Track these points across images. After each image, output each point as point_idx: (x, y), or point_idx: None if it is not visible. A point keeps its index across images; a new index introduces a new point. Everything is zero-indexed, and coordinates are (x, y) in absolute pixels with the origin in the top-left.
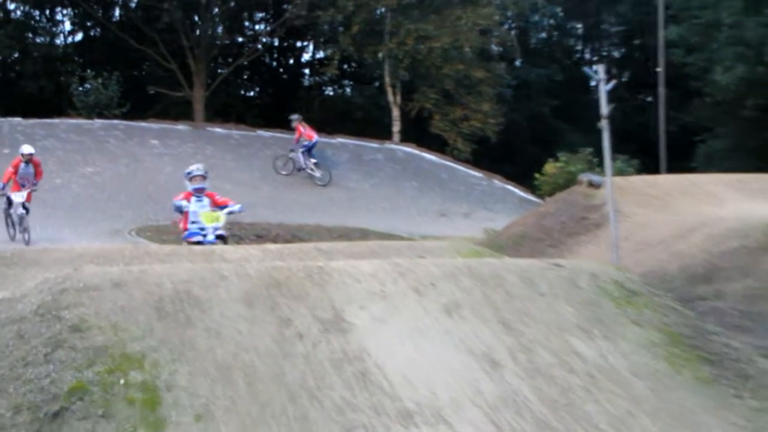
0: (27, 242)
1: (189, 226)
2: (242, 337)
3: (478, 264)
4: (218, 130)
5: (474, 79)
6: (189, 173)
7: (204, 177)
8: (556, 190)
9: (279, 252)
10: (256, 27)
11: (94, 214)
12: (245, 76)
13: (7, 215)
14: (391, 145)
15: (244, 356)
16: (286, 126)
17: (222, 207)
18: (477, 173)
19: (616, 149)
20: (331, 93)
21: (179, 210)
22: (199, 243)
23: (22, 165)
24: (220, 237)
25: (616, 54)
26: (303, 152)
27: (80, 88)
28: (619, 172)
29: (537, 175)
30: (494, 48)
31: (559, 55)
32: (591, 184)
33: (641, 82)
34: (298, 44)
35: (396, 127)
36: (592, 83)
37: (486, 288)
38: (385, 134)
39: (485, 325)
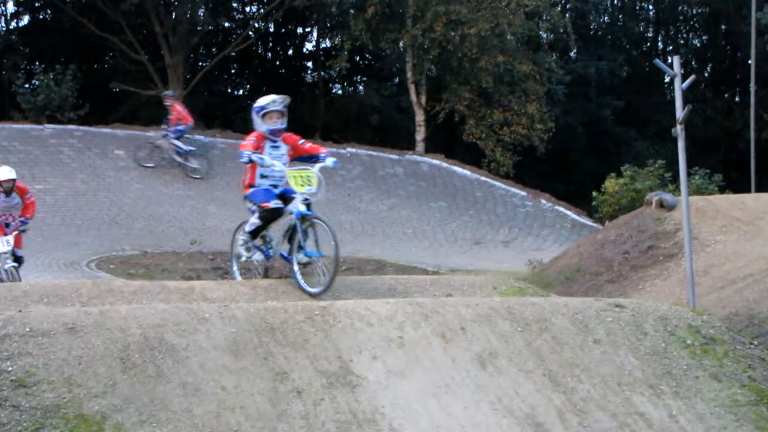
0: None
1: (257, 181)
2: (227, 394)
3: (520, 304)
4: (199, 137)
5: (518, 74)
6: (262, 108)
7: (282, 113)
8: (618, 213)
9: (273, 289)
10: (247, 9)
11: (44, 242)
12: (233, 71)
13: None
14: (414, 156)
15: (229, 417)
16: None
17: (308, 158)
18: (520, 191)
19: (695, 161)
20: (341, 92)
21: (249, 161)
22: (274, 212)
23: (1, 196)
24: (307, 205)
25: (696, 43)
26: (177, 138)
27: (26, 86)
28: (697, 190)
29: (595, 194)
30: (544, 35)
31: (625, 44)
32: (662, 205)
33: (727, 78)
34: (299, 31)
35: (420, 135)
36: (666, 79)
37: (529, 334)
38: (406, 143)
39: (528, 380)
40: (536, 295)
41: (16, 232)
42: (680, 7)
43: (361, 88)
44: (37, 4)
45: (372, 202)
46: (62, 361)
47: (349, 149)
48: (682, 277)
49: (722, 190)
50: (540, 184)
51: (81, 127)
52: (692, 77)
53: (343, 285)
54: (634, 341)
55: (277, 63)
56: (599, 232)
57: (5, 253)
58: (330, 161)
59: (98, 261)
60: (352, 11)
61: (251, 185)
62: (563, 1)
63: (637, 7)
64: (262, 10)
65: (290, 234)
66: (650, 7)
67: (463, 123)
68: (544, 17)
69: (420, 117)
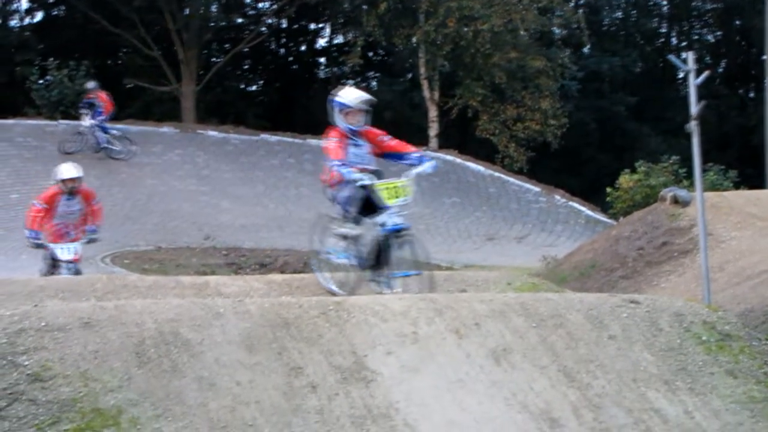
0: None
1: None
2: (241, 389)
3: (534, 300)
4: (212, 133)
5: (531, 69)
6: (345, 106)
7: (367, 112)
8: (632, 209)
9: (287, 284)
10: (260, 5)
11: None
12: (246, 67)
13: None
14: (427, 152)
15: (244, 412)
16: (296, 128)
17: (396, 156)
18: (534, 187)
19: (710, 157)
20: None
21: (337, 173)
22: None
23: (62, 199)
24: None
25: (710, 38)
26: (103, 123)
27: (40, 82)
28: (712, 186)
29: (609, 190)
30: (557, 31)
31: (638, 39)
32: (677, 201)
33: (742, 74)
34: (312, 27)
35: (433, 131)
36: (680, 75)
37: (543, 329)
38: (419, 139)
39: (542, 376)
40: (550, 291)
41: (80, 242)
42: (694, 3)
43: (373, 83)
44: (50, 1)
45: None
46: (78, 356)
47: None
48: (696, 274)
49: (737, 186)
50: (553, 180)
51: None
52: (706, 73)
53: None
54: (649, 337)
55: (290, 59)
56: (613, 228)
57: (68, 261)
58: (428, 166)
59: (113, 256)
60: (364, 7)
61: (335, 179)
62: None
63: (651, 3)
64: (274, 6)
65: (379, 252)
66: (664, 2)
67: (476, 119)
68: (557, 13)
69: (433, 113)
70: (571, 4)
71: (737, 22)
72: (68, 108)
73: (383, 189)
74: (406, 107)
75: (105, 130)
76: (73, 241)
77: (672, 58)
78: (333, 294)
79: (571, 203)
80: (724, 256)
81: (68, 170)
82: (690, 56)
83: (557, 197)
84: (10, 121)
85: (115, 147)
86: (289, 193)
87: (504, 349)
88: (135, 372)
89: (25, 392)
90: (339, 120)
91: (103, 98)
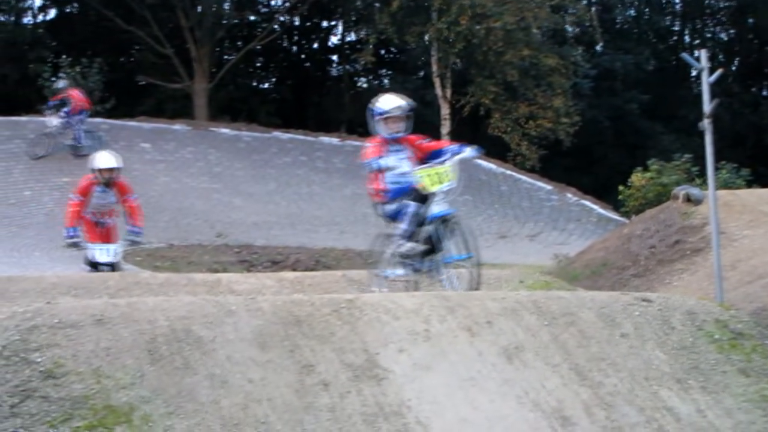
0: None
1: (388, 185)
2: (254, 386)
3: (546, 298)
4: (224, 130)
5: (544, 67)
6: (383, 112)
7: (405, 118)
8: (644, 207)
9: (299, 282)
10: (273, 2)
11: None
12: (258, 64)
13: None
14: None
15: (256, 410)
16: (308, 125)
17: (436, 154)
18: (546, 185)
19: (722, 156)
20: (366, 85)
21: (373, 169)
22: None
23: (97, 190)
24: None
25: (723, 36)
26: (75, 120)
27: (53, 79)
28: (725, 185)
29: (621, 189)
30: (569, 29)
31: (651, 37)
32: (689, 200)
33: (755, 72)
34: (325, 24)
35: (445, 128)
36: (693, 73)
37: (555, 328)
38: (431, 136)
39: (554, 374)
40: (562, 289)
41: (124, 243)
42: (707, 1)
43: (386, 81)
44: None
45: None
46: (90, 353)
47: None
48: (709, 272)
49: (750, 185)
50: (566, 178)
51: (107, 120)
52: (720, 71)
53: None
54: (661, 336)
55: (303, 56)
56: (625, 226)
57: (107, 265)
58: (470, 150)
59: (125, 253)
60: (377, 4)
61: (382, 191)
62: None
63: (664, 1)
64: (287, 4)
65: (430, 242)
66: (677, 0)
67: (488, 117)
68: (570, 11)
69: (445, 110)
70: (584, 2)
71: (750, 20)
72: None
73: (425, 175)
74: (418, 105)
75: (73, 127)
76: (106, 231)
77: (685, 56)
78: None
79: (583, 201)
80: (737, 254)
81: (105, 159)
82: (703, 54)
83: (569, 195)
84: (24, 118)
85: (85, 144)
86: (301, 191)
87: (516, 348)
88: (147, 369)
89: (38, 389)
90: (379, 128)
91: (75, 96)
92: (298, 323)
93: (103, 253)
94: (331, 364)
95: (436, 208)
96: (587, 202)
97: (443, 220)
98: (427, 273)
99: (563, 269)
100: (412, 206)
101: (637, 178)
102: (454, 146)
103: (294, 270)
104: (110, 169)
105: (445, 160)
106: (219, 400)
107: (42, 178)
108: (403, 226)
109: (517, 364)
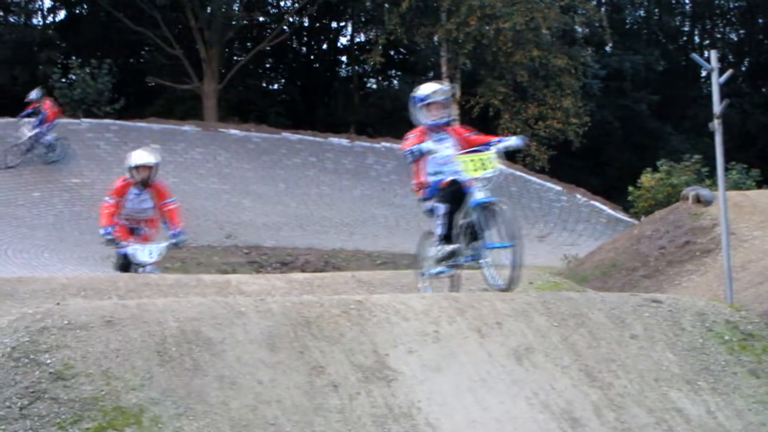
0: None
1: (429, 178)
2: (263, 388)
3: (556, 299)
4: (234, 131)
5: (553, 68)
6: (423, 99)
7: (446, 104)
8: (654, 208)
9: (308, 283)
10: (282, 4)
11: (80, 236)
12: (268, 65)
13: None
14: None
15: (266, 411)
16: (317, 126)
17: (481, 146)
18: (555, 186)
19: (732, 156)
20: (375, 86)
21: (413, 157)
22: (455, 187)
23: (132, 192)
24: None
25: (733, 37)
26: (44, 131)
27: (63, 80)
28: (735, 185)
29: (631, 189)
30: (579, 29)
31: (661, 38)
32: (699, 200)
33: (765, 72)
34: (334, 25)
35: None
36: (703, 74)
37: (565, 329)
38: None
39: (564, 375)
40: (572, 290)
41: (167, 244)
42: (717, 1)
43: (395, 82)
44: None
45: (407, 196)
46: (100, 354)
47: (384, 144)
48: (719, 273)
49: (759, 185)
50: (575, 179)
51: (117, 121)
52: (729, 71)
53: (378, 280)
54: (671, 337)
55: (312, 57)
56: (635, 227)
57: (146, 266)
58: (515, 139)
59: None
60: (386, 5)
61: (423, 186)
62: None
63: (673, 1)
64: (296, 5)
65: (470, 232)
66: (686, 0)
67: (497, 117)
68: (579, 11)
69: (454, 111)
70: (594, 3)
71: (760, 21)
72: (90, 106)
73: (465, 161)
74: None
75: (43, 137)
76: (143, 239)
77: (695, 56)
78: None
79: (592, 202)
80: (747, 255)
81: (141, 156)
82: (713, 55)
83: (579, 196)
84: (33, 119)
85: (55, 150)
86: (310, 192)
87: (526, 349)
88: (157, 371)
89: (48, 390)
90: (420, 117)
91: (47, 106)
92: (307, 324)
93: (144, 252)
94: (341, 365)
95: (477, 195)
96: (597, 203)
97: (484, 206)
98: (470, 263)
99: (573, 270)
100: (441, 208)
101: (646, 178)
102: (504, 138)
103: (303, 271)
104: (146, 167)
105: (489, 147)
106: (228, 401)
107: (52, 180)
108: (437, 230)
109: (526, 365)
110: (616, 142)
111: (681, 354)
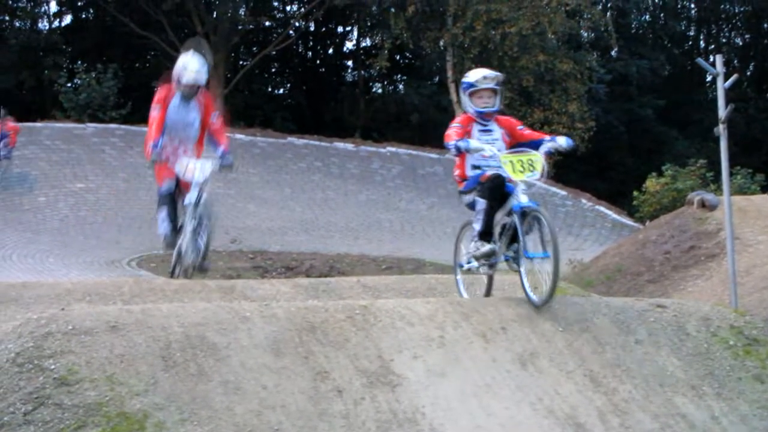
0: (198, 266)
1: (468, 173)
2: (268, 393)
3: (560, 304)
4: (240, 136)
5: (559, 72)
6: (470, 86)
7: (495, 91)
8: (659, 213)
9: (313, 288)
10: (288, 8)
11: (85, 240)
12: (273, 70)
13: (171, 217)
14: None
15: (270, 416)
16: (323, 131)
17: (530, 144)
18: (560, 191)
19: (737, 161)
20: (380, 91)
21: (457, 152)
22: (496, 183)
23: (175, 102)
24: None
25: (738, 41)
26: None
27: (68, 85)
28: (739, 190)
29: (636, 194)
30: (585, 34)
31: (666, 42)
32: (704, 205)
33: None
34: (340, 30)
35: None
36: (708, 78)
37: (570, 334)
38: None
39: (569, 380)
40: (577, 295)
41: (215, 163)
42: (722, 6)
43: (401, 87)
44: (79, 4)
45: (412, 201)
46: (104, 360)
47: (389, 148)
48: (723, 278)
49: (764, 190)
50: (580, 184)
51: (122, 126)
52: (735, 76)
53: (383, 285)
54: (676, 342)
55: (318, 62)
56: (640, 231)
57: (200, 184)
58: (563, 140)
59: (139, 259)
60: (392, 10)
61: (464, 178)
62: (604, 0)
63: (679, 6)
64: (302, 9)
65: (510, 233)
66: (692, 5)
67: None
68: (585, 16)
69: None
70: (599, 7)
71: (766, 26)
72: (96, 111)
73: (509, 162)
74: (433, 110)
75: (4, 159)
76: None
77: (700, 61)
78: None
79: (597, 207)
80: (752, 260)
81: (192, 71)
82: (718, 59)
83: (584, 201)
84: (39, 124)
85: (11, 172)
86: (315, 197)
87: (530, 354)
88: (161, 376)
89: (52, 396)
90: (467, 104)
91: (10, 127)
92: (312, 329)
93: (197, 168)
94: (346, 370)
95: (521, 198)
96: (602, 208)
97: (526, 212)
98: (508, 263)
99: (578, 275)
100: (481, 203)
101: (651, 183)
102: (552, 138)
103: (308, 276)
104: (196, 75)
105: (537, 146)
106: (233, 406)
107: (57, 184)
108: (476, 225)
109: (531, 370)
110: (621, 147)
111: (686, 359)
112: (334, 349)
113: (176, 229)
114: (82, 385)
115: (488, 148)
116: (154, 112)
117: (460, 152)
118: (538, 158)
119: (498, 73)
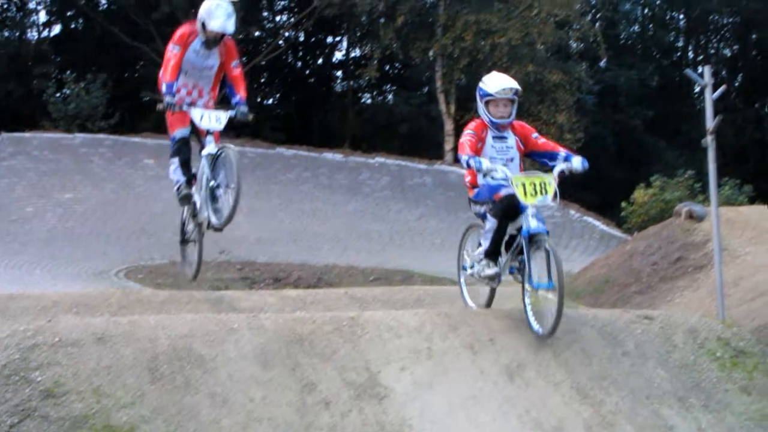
0: (216, 223)
1: (480, 180)
2: (255, 405)
3: None
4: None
5: (548, 83)
6: (487, 95)
7: (512, 101)
8: (647, 224)
9: (301, 299)
10: (278, 18)
11: (73, 251)
12: (263, 80)
13: (184, 166)
14: (443, 166)
15: (257, 429)
16: (312, 141)
17: (543, 155)
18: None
19: (725, 172)
20: (370, 101)
21: (468, 167)
22: (509, 202)
23: (196, 45)
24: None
25: (726, 52)
26: None
27: (57, 95)
28: (727, 201)
29: (624, 205)
30: (574, 45)
31: (655, 53)
32: (692, 216)
33: (758, 88)
34: (329, 40)
35: (449, 144)
36: (696, 89)
37: (557, 345)
38: (435, 153)
39: (556, 392)
40: (564, 307)
41: (230, 112)
42: (711, 17)
43: (390, 97)
44: (68, 14)
45: (400, 212)
46: (91, 372)
47: (378, 159)
48: (711, 289)
49: (752, 201)
50: (568, 194)
51: (111, 136)
52: (723, 87)
53: (371, 296)
54: (663, 353)
55: (307, 72)
56: (628, 242)
57: (209, 133)
58: (577, 162)
59: (127, 270)
60: (382, 20)
61: (474, 185)
62: (593, 11)
63: (668, 17)
64: (292, 20)
65: (518, 249)
66: (681, 16)
67: None
68: (574, 26)
69: (449, 126)
70: (588, 18)
71: (754, 36)
72: (84, 121)
73: (521, 185)
74: (422, 120)
75: None
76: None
77: (689, 72)
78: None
79: (585, 218)
80: (739, 271)
81: (220, 18)
82: (707, 70)
83: (572, 212)
84: (27, 134)
85: None
86: (304, 207)
87: (518, 365)
88: (148, 388)
89: (37, 408)
90: (481, 110)
91: None
92: (300, 341)
93: (212, 117)
94: (333, 382)
95: (531, 223)
96: (590, 219)
97: (534, 238)
98: (513, 275)
99: (565, 286)
100: (492, 222)
101: (639, 194)
102: (563, 153)
103: (296, 287)
104: (222, 34)
105: (552, 158)
106: (220, 419)
107: (45, 195)
108: (483, 242)
109: (518, 382)
110: (609, 158)
111: (672, 371)
112: (322, 361)
113: (190, 180)
114: (68, 397)
115: (500, 169)
116: (174, 51)
117: (471, 168)
118: (551, 181)
119: (516, 85)
